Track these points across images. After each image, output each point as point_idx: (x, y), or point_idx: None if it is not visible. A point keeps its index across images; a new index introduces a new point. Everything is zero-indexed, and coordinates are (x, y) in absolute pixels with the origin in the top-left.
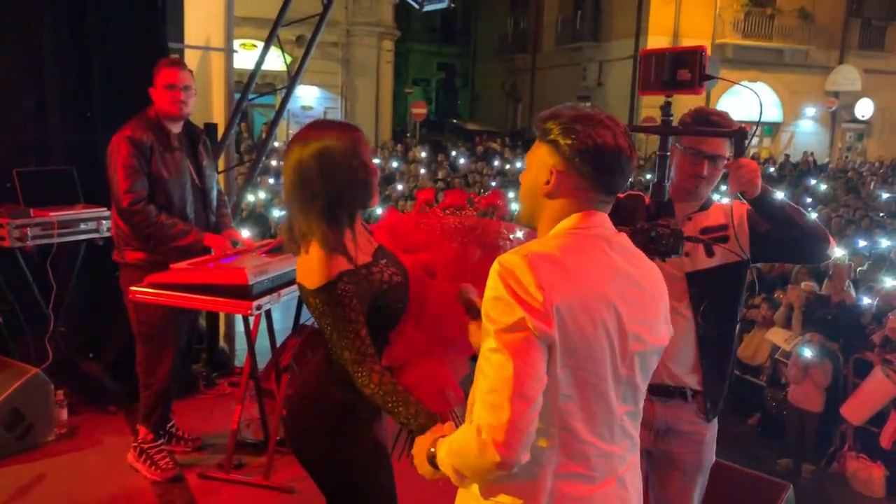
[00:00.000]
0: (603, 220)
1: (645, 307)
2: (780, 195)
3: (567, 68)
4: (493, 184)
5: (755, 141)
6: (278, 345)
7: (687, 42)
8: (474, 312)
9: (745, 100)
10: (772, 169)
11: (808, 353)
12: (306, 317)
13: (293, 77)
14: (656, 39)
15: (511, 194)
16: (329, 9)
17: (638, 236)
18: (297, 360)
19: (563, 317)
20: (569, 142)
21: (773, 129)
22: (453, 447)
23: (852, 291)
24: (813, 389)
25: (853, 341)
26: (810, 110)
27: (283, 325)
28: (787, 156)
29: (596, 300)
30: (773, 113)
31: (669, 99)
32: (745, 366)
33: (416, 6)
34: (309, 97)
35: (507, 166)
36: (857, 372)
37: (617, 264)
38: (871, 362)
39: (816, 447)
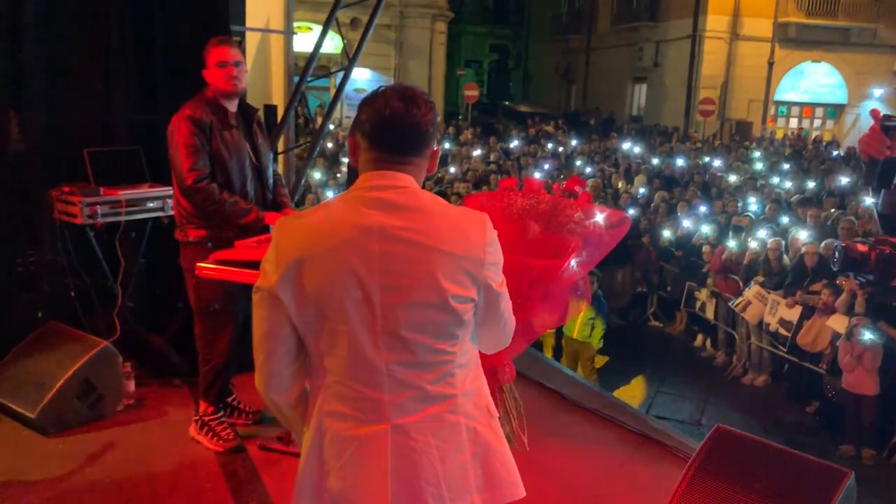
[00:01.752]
0: (374, 177)
1: (406, 260)
2: None
3: (623, 49)
4: (547, 166)
5: (817, 123)
6: None
7: (748, 21)
8: None
9: (809, 80)
10: (835, 153)
11: (859, 336)
12: None
13: (351, 60)
14: (715, 18)
15: (562, 176)
16: None
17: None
18: None
19: (296, 274)
20: (358, 115)
21: (836, 111)
22: None
23: None
24: (865, 373)
25: None
26: (878, 91)
27: None
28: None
29: (335, 256)
30: (838, 94)
31: None
32: (804, 353)
33: None
34: (362, 79)
35: (561, 149)
36: None
37: (367, 220)
38: None
39: (876, 431)
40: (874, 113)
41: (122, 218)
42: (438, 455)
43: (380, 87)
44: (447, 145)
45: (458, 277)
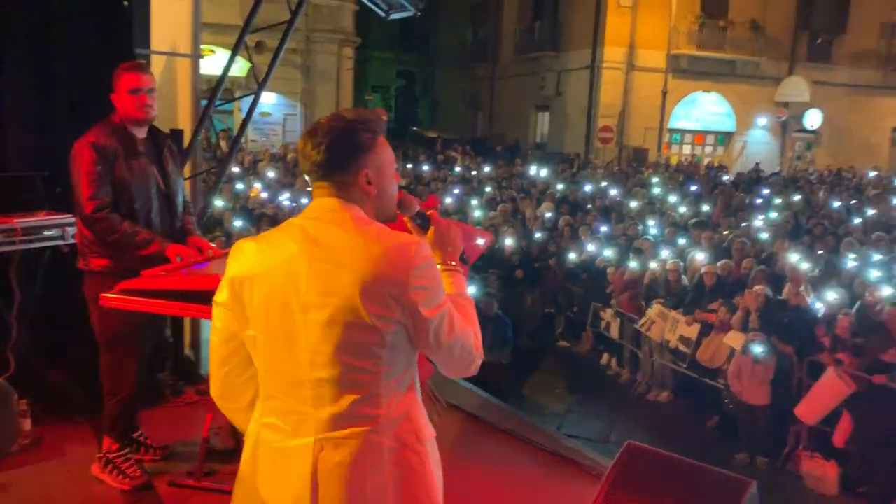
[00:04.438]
0: (310, 205)
1: (328, 280)
2: None
3: (526, 78)
4: (456, 190)
5: (708, 150)
6: None
7: (643, 53)
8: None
9: (701, 109)
10: (725, 177)
11: (752, 350)
12: None
13: (261, 83)
14: (613, 50)
15: (475, 201)
16: (297, 16)
17: None
18: None
19: (240, 288)
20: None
21: (725, 138)
22: None
23: (807, 296)
24: (758, 384)
25: (808, 344)
26: (762, 120)
27: None
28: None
29: (274, 274)
30: (727, 122)
31: None
32: (703, 368)
33: (383, 14)
34: (268, 103)
35: (474, 172)
36: (811, 374)
37: (299, 244)
38: (825, 364)
39: (769, 440)
40: None
41: (17, 247)
42: (360, 473)
43: None
44: None
45: (379, 300)
